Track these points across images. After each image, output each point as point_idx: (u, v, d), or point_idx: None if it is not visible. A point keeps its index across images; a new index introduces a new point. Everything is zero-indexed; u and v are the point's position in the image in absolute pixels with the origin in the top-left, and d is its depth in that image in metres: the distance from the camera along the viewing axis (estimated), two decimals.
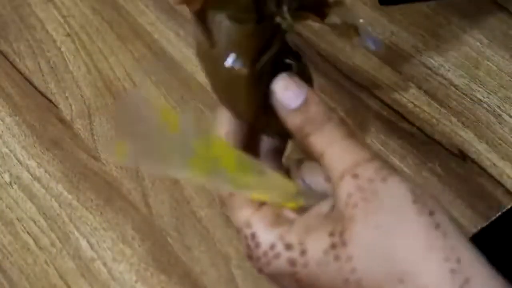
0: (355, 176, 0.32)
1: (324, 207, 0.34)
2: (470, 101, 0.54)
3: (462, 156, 0.51)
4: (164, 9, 0.62)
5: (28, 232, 0.50)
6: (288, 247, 0.32)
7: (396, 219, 0.31)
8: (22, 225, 0.51)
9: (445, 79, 0.55)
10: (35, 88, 0.58)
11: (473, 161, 0.51)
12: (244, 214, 0.34)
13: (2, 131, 0.55)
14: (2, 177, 0.53)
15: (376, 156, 0.33)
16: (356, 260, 0.31)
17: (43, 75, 0.58)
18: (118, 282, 0.48)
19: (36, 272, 0.49)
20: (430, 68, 0.56)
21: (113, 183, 0.52)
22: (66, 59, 0.59)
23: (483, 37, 0.58)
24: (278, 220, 0.34)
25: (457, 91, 0.55)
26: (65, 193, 0.52)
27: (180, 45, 0.59)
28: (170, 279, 0.48)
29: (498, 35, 0.58)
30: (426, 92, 0.55)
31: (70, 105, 0.56)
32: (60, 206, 0.51)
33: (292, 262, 0.32)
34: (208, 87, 0.56)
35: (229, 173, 0.33)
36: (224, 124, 0.37)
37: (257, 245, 0.33)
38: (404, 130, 0.53)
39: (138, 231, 0.50)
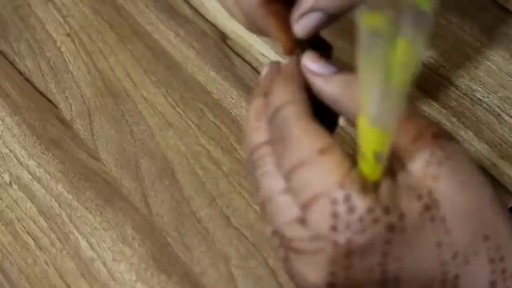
0: (435, 135, 0.31)
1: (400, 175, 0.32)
2: (470, 101, 0.54)
3: None
4: (164, 9, 0.62)
5: (28, 232, 0.50)
6: (387, 211, 0.30)
7: (476, 179, 0.31)
8: (22, 225, 0.51)
9: (445, 79, 0.55)
10: (35, 88, 0.58)
11: None
12: (335, 174, 0.30)
13: (2, 131, 0.55)
14: (2, 177, 0.53)
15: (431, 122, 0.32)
16: (449, 220, 0.30)
17: (43, 75, 0.58)
18: (118, 282, 0.48)
19: (36, 272, 0.49)
20: (430, 69, 0.56)
21: (113, 183, 0.52)
22: (66, 59, 0.59)
23: (483, 37, 0.58)
24: (368, 185, 0.31)
25: (457, 91, 0.55)
26: (65, 193, 0.52)
27: (180, 45, 0.59)
28: (170, 279, 0.48)
29: (498, 35, 0.58)
30: (426, 92, 0.55)
31: (70, 105, 0.56)
32: (60, 206, 0.51)
33: (391, 227, 0.29)
34: (208, 87, 0.56)
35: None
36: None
37: (351, 209, 0.29)
38: None
39: (138, 231, 0.50)
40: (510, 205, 0.49)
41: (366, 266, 0.30)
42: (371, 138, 0.29)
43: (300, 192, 0.31)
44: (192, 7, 0.61)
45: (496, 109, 0.54)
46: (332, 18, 0.38)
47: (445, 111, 0.54)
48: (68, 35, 0.61)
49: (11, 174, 0.53)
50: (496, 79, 0.55)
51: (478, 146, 0.52)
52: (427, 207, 0.30)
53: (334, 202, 0.30)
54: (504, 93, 0.54)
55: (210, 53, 0.58)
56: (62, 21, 0.62)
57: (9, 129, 0.56)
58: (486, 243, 0.30)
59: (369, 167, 0.30)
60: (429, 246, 0.30)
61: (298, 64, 0.36)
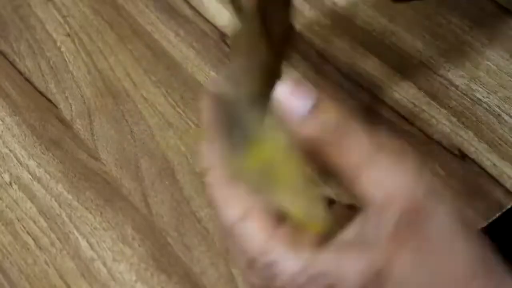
0: (403, 205, 0.28)
1: (350, 234, 0.29)
2: (470, 101, 0.54)
3: (462, 156, 0.51)
4: (164, 9, 0.62)
5: (28, 232, 0.50)
6: (323, 276, 0.28)
7: (444, 259, 0.28)
8: (22, 225, 0.51)
9: (445, 79, 0.55)
10: (35, 88, 0.58)
11: (473, 161, 0.51)
12: (258, 241, 0.29)
13: (2, 131, 0.55)
14: (2, 177, 0.53)
15: (420, 173, 0.28)
16: None
17: (43, 75, 0.58)
18: (118, 282, 0.48)
19: (36, 272, 0.49)
20: (430, 68, 0.56)
21: (113, 183, 0.52)
22: (66, 59, 0.59)
23: (483, 37, 0.57)
24: (299, 242, 0.29)
25: (457, 91, 0.55)
26: (65, 193, 0.52)
27: (180, 45, 0.59)
28: (170, 279, 0.48)
29: (498, 35, 0.58)
30: (426, 92, 0.55)
31: (70, 105, 0.56)
32: (60, 206, 0.51)
33: (330, 286, 0.28)
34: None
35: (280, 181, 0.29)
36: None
37: (282, 271, 0.28)
38: (404, 130, 0.53)
39: (138, 231, 0.50)
40: (510, 206, 0.49)
41: None
42: (300, 221, 0.29)
43: (240, 252, 0.30)
44: (192, 7, 0.61)
45: (496, 109, 0.54)
46: None
47: (445, 111, 0.54)
48: (68, 35, 0.61)
49: (11, 174, 0.53)
50: (496, 79, 0.55)
51: (478, 146, 0.52)
52: (376, 276, 0.28)
53: (265, 267, 0.29)
54: (504, 93, 0.54)
55: (210, 53, 0.58)
56: (62, 21, 0.62)
57: (9, 129, 0.55)
58: None
59: (305, 223, 0.30)
60: None
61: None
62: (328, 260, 0.28)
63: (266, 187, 0.29)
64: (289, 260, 0.28)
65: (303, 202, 0.29)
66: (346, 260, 0.28)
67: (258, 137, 0.29)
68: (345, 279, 0.28)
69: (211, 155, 0.32)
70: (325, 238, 0.29)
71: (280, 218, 0.29)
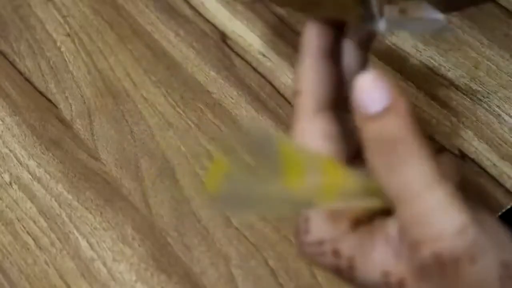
0: (435, 251, 0.26)
1: (390, 227, 0.28)
2: (470, 101, 0.54)
3: (462, 156, 0.51)
4: (164, 9, 0.62)
5: (28, 232, 0.50)
6: (336, 254, 0.28)
7: None
8: (22, 225, 0.51)
9: (445, 79, 0.55)
10: (35, 88, 0.58)
11: (473, 161, 0.51)
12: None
13: (2, 131, 0.55)
14: (2, 177, 0.53)
15: (471, 218, 0.26)
16: None
17: (43, 75, 0.58)
18: (118, 282, 0.48)
19: (36, 272, 0.49)
20: (430, 68, 0.56)
21: (113, 183, 0.52)
22: (66, 59, 0.59)
23: (483, 37, 0.57)
24: (338, 217, 0.28)
25: (457, 91, 0.55)
26: (65, 193, 0.52)
27: (180, 45, 0.59)
28: (170, 279, 0.48)
29: (498, 35, 0.58)
30: (426, 92, 0.55)
31: (70, 105, 0.56)
32: (60, 206, 0.51)
33: (337, 270, 0.29)
34: (208, 87, 0.56)
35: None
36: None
37: (306, 231, 0.29)
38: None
39: (138, 231, 0.50)
40: (510, 206, 0.49)
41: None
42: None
43: None
44: (192, 7, 0.61)
45: (496, 109, 0.54)
46: None
47: (445, 111, 0.54)
48: (68, 35, 0.61)
49: (11, 174, 0.53)
50: (496, 79, 0.55)
51: (478, 146, 0.52)
52: (387, 285, 0.27)
53: (300, 218, 0.30)
54: (504, 93, 0.54)
55: (210, 53, 0.58)
56: (62, 21, 0.62)
57: (9, 129, 0.55)
58: None
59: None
60: None
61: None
62: (347, 248, 0.28)
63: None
64: (318, 227, 0.29)
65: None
66: (374, 252, 0.28)
67: None
68: (361, 275, 0.28)
69: (306, 80, 0.31)
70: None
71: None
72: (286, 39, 0.58)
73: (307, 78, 0.31)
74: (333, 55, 0.32)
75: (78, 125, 0.55)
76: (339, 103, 0.31)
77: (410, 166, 0.26)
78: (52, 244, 0.50)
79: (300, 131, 0.31)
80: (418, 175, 0.26)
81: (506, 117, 0.53)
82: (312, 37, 0.32)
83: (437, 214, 0.26)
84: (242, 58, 0.58)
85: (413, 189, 0.26)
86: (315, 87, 0.31)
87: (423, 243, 0.26)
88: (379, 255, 0.28)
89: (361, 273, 0.28)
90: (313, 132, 0.30)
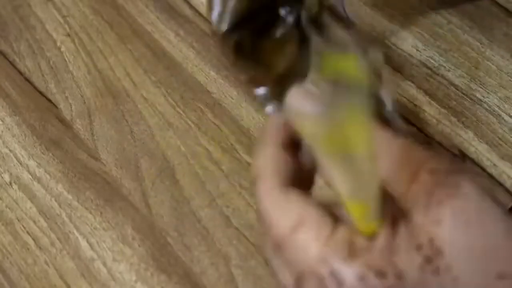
0: (432, 171, 0.27)
1: (401, 235, 0.29)
2: (470, 101, 0.54)
3: (462, 156, 0.52)
4: (164, 9, 0.62)
5: (28, 232, 0.50)
6: (381, 275, 0.27)
7: (485, 215, 0.27)
8: (22, 225, 0.51)
9: (445, 79, 0.55)
10: (35, 88, 0.58)
11: (473, 161, 0.51)
12: (314, 250, 0.28)
13: (2, 131, 0.55)
14: (2, 177, 0.53)
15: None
16: (456, 268, 0.26)
17: (43, 75, 0.58)
18: (118, 282, 0.48)
19: (36, 272, 0.49)
20: (430, 68, 0.56)
21: (113, 183, 0.52)
22: (66, 59, 0.59)
23: (483, 37, 0.57)
24: (354, 248, 0.28)
25: (457, 91, 0.55)
26: (65, 193, 0.52)
27: (180, 45, 0.59)
28: (170, 279, 0.48)
29: (498, 35, 0.58)
30: (426, 92, 0.55)
31: (70, 105, 0.56)
32: (60, 206, 0.51)
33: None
34: (208, 87, 0.56)
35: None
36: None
37: (340, 283, 0.27)
38: (404, 130, 0.53)
39: (138, 231, 0.50)
40: (510, 206, 0.49)
41: None
42: (352, 209, 0.28)
43: (289, 268, 0.29)
44: (192, 7, 0.61)
45: (496, 109, 0.54)
46: None
47: (445, 111, 0.54)
48: (68, 35, 0.61)
49: (11, 174, 0.53)
50: (496, 79, 0.55)
51: (478, 146, 0.52)
52: (428, 260, 0.27)
53: (321, 279, 0.27)
54: (504, 93, 0.54)
55: (210, 53, 0.58)
56: (62, 21, 0.62)
57: (9, 129, 0.56)
58: (501, 282, 0.27)
59: (359, 225, 0.28)
60: None
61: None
62: (385, 260, 0.27)
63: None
64: (348, 269, 0.27)
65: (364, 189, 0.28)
66: (401, 257, 0.27)
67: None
68: (405, 277, 0.27)
69: (263, 162, 0.31)
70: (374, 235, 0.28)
71: (334, 218, 0.29)
72: None
73: (267, 166, 0.31)
74: (293, 145, 0.33)
75: (78, 125, 0.55)
76: (299, 184, 0.32)
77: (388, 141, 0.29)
78: (52, 244, 0.50)
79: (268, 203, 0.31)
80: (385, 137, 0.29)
81: (506, 117, 0.53)
82: (275, 127, 0.33)
83: (410, 149, 0.28)
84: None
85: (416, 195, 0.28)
86: (274, 173, 0.31)
87: (416, 171, 0.28)
88: (405, 240, 0.28)
89: (407, 272, 0.27)
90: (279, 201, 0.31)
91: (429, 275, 0.26)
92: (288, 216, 0.29)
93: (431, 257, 0.26)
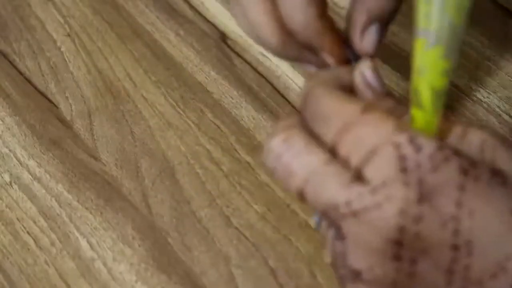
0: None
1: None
2: (470, 101, 0.54)
3: None
4: (164, 9, 0.62)
5: (28, 232, 0.50)
6: (458, 153, 0.27)
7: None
8: (22, 225, 0.51)
9: None
10: (35, 88, 0.58)
11: None
12: (390, 123, 0.27)
13: (2, 131, 0.55)
14: (2, 177, 0.53)
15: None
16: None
17: (43, 75, 0.58)
18: (118, 282, 0.48)
19: (36, 272, 0.49)
20: None
21: (113, 183, 0.52)
22: (66, 59, 0.59)
23: (483, 37, 0.57)
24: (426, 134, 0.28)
25: (457, 91, 0.55)
26: (65, 193, 0.52)
27: (180, 45, 0.59)
28: (170, 279, 0.48)
29: (498, 35, 0.58)
30: None
31: (70, 105, 0.56)
32: (60, 206, 0.51)
33: (464, 170, 0.26)
34: (208, 87, 0.56)
35: None
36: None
37: (419, 148, 0.26)
38: None
39: (138, 231, 0.50)
40: None
41: (438, 219, 0.26)
42: (430, 65, 0.27)
43: (353, 153, 0.28)
44: (192, 7, 0.61)
45: (496, 109, 0.54)
46: (387, 25, 0.37)
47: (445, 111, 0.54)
48: (68, 35, 0.61)
49: (11, 174, 0.53)
50: (496, 79, 0.55)
51: None
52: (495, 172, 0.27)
53: (397, 146, 0.27)
54: (504, 93, 0.54)
55: (210, 53, 0.58)
56: (62, 21, 0.62)
57: (9, 129, 0.56)
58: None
59: (425, 116, 0.28)
60: (502, 209, 0.26)
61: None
62: (457, 145, 0.28)
63: None
64: (426, 139, 0.27)
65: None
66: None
67: None
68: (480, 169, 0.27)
69: (320, 77, 0.32)
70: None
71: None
72: None
73: (329, 75, 0.33)
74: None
75: (78, 125, 0.55)
76: None
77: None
78: (52, 244, 0.50)
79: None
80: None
81: (506, 117, 0.53)
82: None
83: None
84: (242, 58, 0.58)
85: None
86: (335, 80, 0.32)
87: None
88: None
89: (483, 169, 0.28)
90: None
91: (498, 183, 0.26)
92: (357, 102, 0.29)
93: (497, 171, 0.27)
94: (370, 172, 0.27)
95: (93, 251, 0.49)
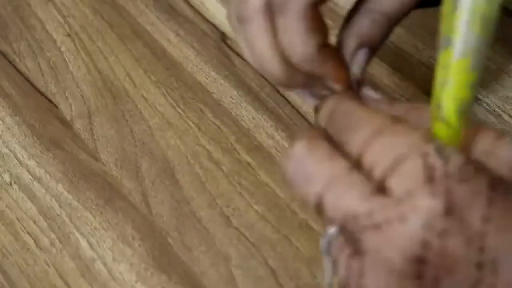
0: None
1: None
2: None
3: None
4: (164, 9, 0.62)
5: (28, 232, 0.50)
6: (486, 167, 0.26)
7: None
8: (22, 225, 0.51)
9: None
10: (35, 88, 0.58)
11: None
12: (418, 133, 0.26)
13: (2, 131, 0.55)
14: (2, 177, 0.53)
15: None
16: None
17: (43, 75, 0.58)
18: (118, 282, 0.48)
19: (36, 272, 0.49)
20: (430, 68, 0.56)
21: (113, 183, 0.52)
22: (66, 59, 0.59)
23: None
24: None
25: None
26: (65, 193, 0.52)
27: (180, 45, 0.59)
28: (170, 279, 0.48)
29: (498, 35, 0.58)
30: (426, 91, 0.55)
31: (70, 105, 0.56)
32: (60, 206, 0.51)
33: (493, 185, 0.25)
34: (208, 87, 0.56)
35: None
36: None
37: (447, 159, 0.25)
38: None
39: (138, 231, 0.50)
40: None
41: (465, 234, 0.25)
42: (456, 77, 0.26)
43: (378, 163, 0.27)
44: (192, 7, 0.61)
45: (496, 109, 0.54)
46: (375, 50, 0.38)
47: None
48: (68, 35, 0.61)
49: (11, 174, 0.53)
50: (496, 79, 0.55)
51: None
52: None
53: (424, 155, 0.25)
54: (504, 93, 0.54)
55: (210, 53, 0.58)
56: (62, 21, 0.62)
57: (9, 129, 0.56)
58: None
59: (448, 130, 0.27)
60: None
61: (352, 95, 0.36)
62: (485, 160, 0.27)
63: None
64: (453, 151, 0.26)
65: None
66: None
67: None
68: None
69: (342, 95, 0.33)
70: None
71: None
72: None
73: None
74: None
75: (78, 125, 0.55)
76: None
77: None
78: (52, 244, 0.50)
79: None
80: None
81: (506, 117, 0.53)
82: None
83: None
84: (242, 58, 0.58)
85: None
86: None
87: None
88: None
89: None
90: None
91: None
92: (386, 114, 0.28)
93: None
94: (394, 182, 0.26)
95: (93, 251, 0.49)
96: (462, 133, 0.27)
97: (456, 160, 0.25)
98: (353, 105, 0.30)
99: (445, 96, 0.26)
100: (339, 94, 0.35)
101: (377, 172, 0.27)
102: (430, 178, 0.25)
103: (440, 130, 0.27)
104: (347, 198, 0.27)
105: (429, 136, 0.26)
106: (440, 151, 0.25)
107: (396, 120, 0.27)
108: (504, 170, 0.26)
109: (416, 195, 0.25)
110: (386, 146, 0.27)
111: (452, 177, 0.25)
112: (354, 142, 0.28)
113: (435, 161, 0.25)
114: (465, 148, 0.27)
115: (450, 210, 0.25)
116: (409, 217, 0.25)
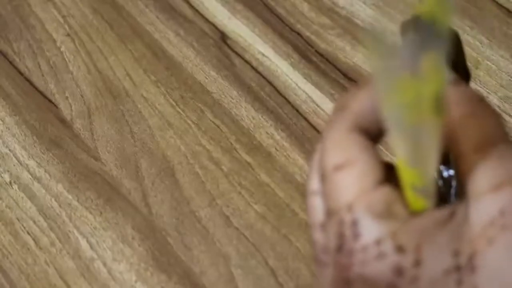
0: (503, 197, 0.25)
1: (441, 212, 0.26)
2: None
3: None
4: (164, 9, 0.62)
5: (28, 232, 0.50)
6: (400, 250, 0.25)
7: None
8: (22, 225, 0.51)
9: None
10: (35, 88, 0.58)
11: None
12: (347, 195, 0.26)
13: (2, 131, 0.55)
14: (2, 177, 0.53)
15: None
16: None
17: (43, 75, 0.58)
18: (118, 282, 0.48)
19: (36, 272, 0.49)
20: None
21: (113, 183, 0.52)
22: (66, 59, 0.59)
23: (483, 37, 0.58)
24: (389, 212, 0.26)
25: None
26: (65, 193, 0.52)
27: (180, 45, 0.59)
28: (170, 279, 0.48)
29: (498, 35, 0.58)
30: None
31: (70, 105, 0.56)
32: (60, 206, 0.51)
33: (398, 271, 0.25)
34: (208, 87, 0.56)
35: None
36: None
37: (356, 236, 0.25)
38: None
39: (138, 231, 0.50)
40: None
41: None
42: (407, 175, 0.26)
43: (325, 200, 0.27)
44: (192, 7, 0.61)
45: (496, 109, 0.54)
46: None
47: None
48: (68, 35, 0.61)
49: (11, 174, 0.53)
50: (496, 79, 0.55)
51: None
52: (458, 268, 0.24)
53: (341, 223, 0.26)
54: (504, 93, 0.54)
55: (210, 53, 0.58)
56: (62, 21, 0.62)
57: (9, 129, 0.56)
58: None
59: (408, 196, 0.26)
60: None
61: None
62: (413, 241, 0.25)
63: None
64: (370, 227, 0.25)
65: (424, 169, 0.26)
66: (432, 249, 0.25)
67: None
68: (422, 268, 0.25)
69: (353, 98, 0.29)
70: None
71: (383, 181, 0.26)
72: (286, 39, 0.58)
73: (353, 105, 0.29)
74: None
75: (78, 125, 0.55)
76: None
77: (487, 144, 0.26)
78: (52, 244, 0.50)
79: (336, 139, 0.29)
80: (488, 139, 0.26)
81: (506, 117, 0.53)
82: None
83: (501, 161, 0.25)
84: (242, 58, 0.58)
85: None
86: (352, 114, 0.29)
87: (492, 189, 0.25)
88: (446, 235, 0.25)
89: (428, 265, 0.25)
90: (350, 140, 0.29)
91: (451, 283, 0.24)
92: (340, 154, 0.27)
93: (461, 269, 0.24)
94: (327, 228, 0.27)
95: (92, 251, 0.49)
96: (427, 204, 0.26)
97: (364, 239, 0.25)
98: (334, 132, 0.29)
99: (404, 182, 0.26)
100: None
101: (325, 208, 0.27)
102: (339, 247, 0.25)
103: (408, 197, 0.26)
104: (309, 217, 0.28)
105: (359, 200, 0.26)
106: (354, 224, 0.25)
107: (340, 167, 0.27)
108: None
109: (330, 256, 0.26)
110: (328, 192, 0.27)
111: (355, 256, 0.25)
112: (320, 166, 0.28)
113: (347, 233, 0.25)
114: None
115: (349, 283, 0.25)
116: (325, 270, 0.27)
